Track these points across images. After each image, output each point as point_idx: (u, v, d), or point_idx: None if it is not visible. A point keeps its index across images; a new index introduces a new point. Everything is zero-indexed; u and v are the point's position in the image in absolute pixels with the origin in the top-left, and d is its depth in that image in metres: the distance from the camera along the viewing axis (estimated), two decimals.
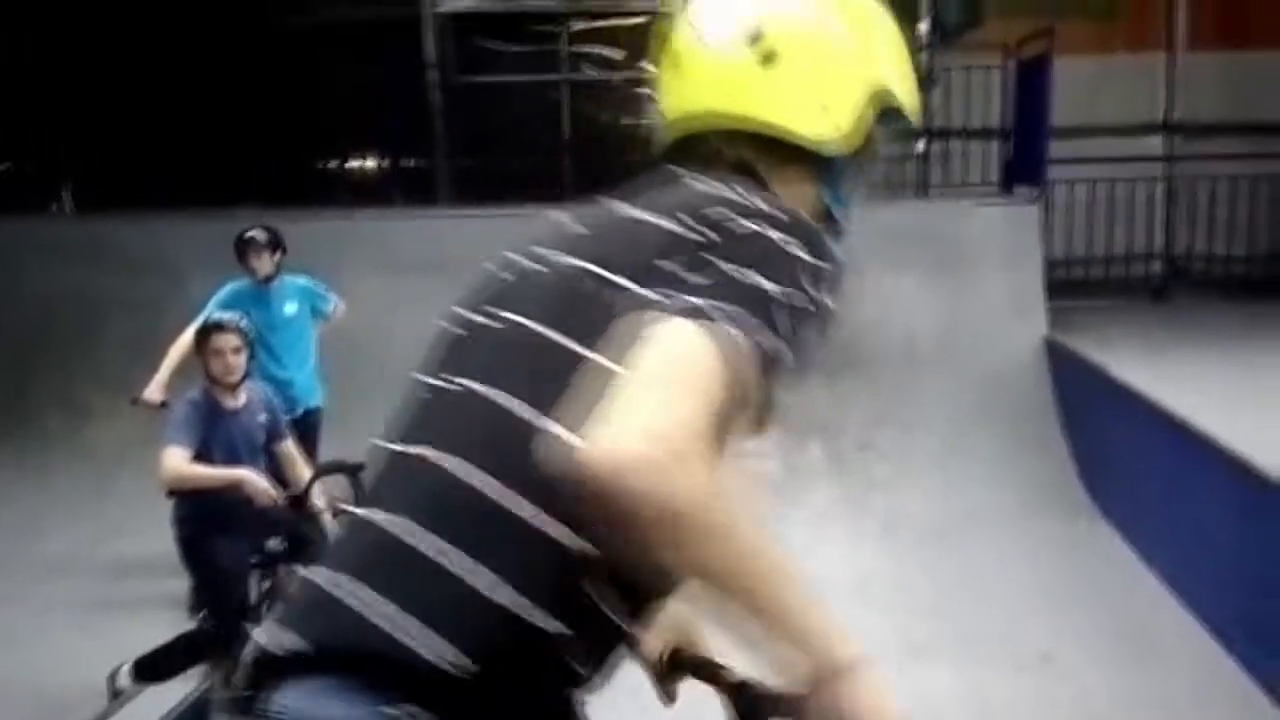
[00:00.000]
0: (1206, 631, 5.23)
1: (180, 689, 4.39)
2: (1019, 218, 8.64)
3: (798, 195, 1.57)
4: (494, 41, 10.87)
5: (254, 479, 4.44)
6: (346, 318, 6.50)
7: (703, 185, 1.48)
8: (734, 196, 1.45)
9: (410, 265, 8.67)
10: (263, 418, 4.74)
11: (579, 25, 10.79)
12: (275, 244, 6.18)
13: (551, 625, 1.33)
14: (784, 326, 1.36)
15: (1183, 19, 10.14)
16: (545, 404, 1.33)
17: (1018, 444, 7.56)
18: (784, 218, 1.44)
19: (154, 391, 5.68)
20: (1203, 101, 10.05)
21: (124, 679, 4.41)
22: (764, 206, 1.44)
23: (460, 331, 1.52)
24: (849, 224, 1.66)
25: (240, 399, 4.67)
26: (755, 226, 1.41)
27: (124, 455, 6.75)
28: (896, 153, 10.18)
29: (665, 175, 1.55)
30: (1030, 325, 8.22)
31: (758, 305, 1.34)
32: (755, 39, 1.54)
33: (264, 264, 6.13)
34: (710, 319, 1.30)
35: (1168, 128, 10.20)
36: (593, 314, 1.37)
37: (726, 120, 1.57)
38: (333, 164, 11.39)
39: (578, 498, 1.21)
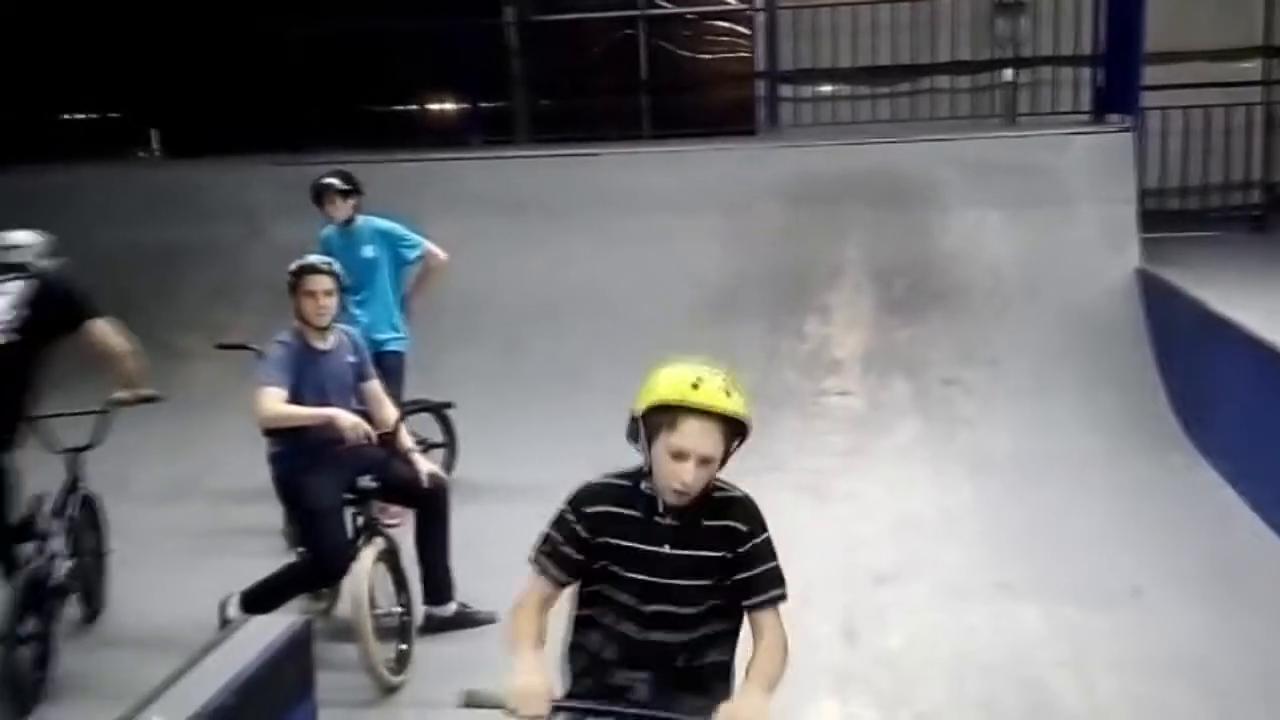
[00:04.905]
0: None
1: (283, 619, 4.51)
2: (1111, 147, 8.37)
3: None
4: None
5: (346, 417, 4.52)
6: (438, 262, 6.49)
7: None
8: None
9: (488, 205, 8.71)
10: (351, 358, 4.81)
11: None
12: (350, 189, 6.25)
13: None
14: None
15: None
16: None
17: (1109, 379, 7.39)
18: None
19: None
20: None
21: (232, 609, 4.56)
22: None
23: None
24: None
25: (330, 340, 4.74)
26: None
27: (216, 394, 6.92)
28: (983, 82, 9.95)
29: None
30: (1123, 258, 7.99)
31: None
32: None
33: (339, 209, 6.22)
34: None
35: (1266, 51, 9.77)
36: None
37: None
38: (413, 107, 11.42)
39: None
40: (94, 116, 11.74)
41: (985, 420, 7.22)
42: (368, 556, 4.48)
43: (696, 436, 2.52)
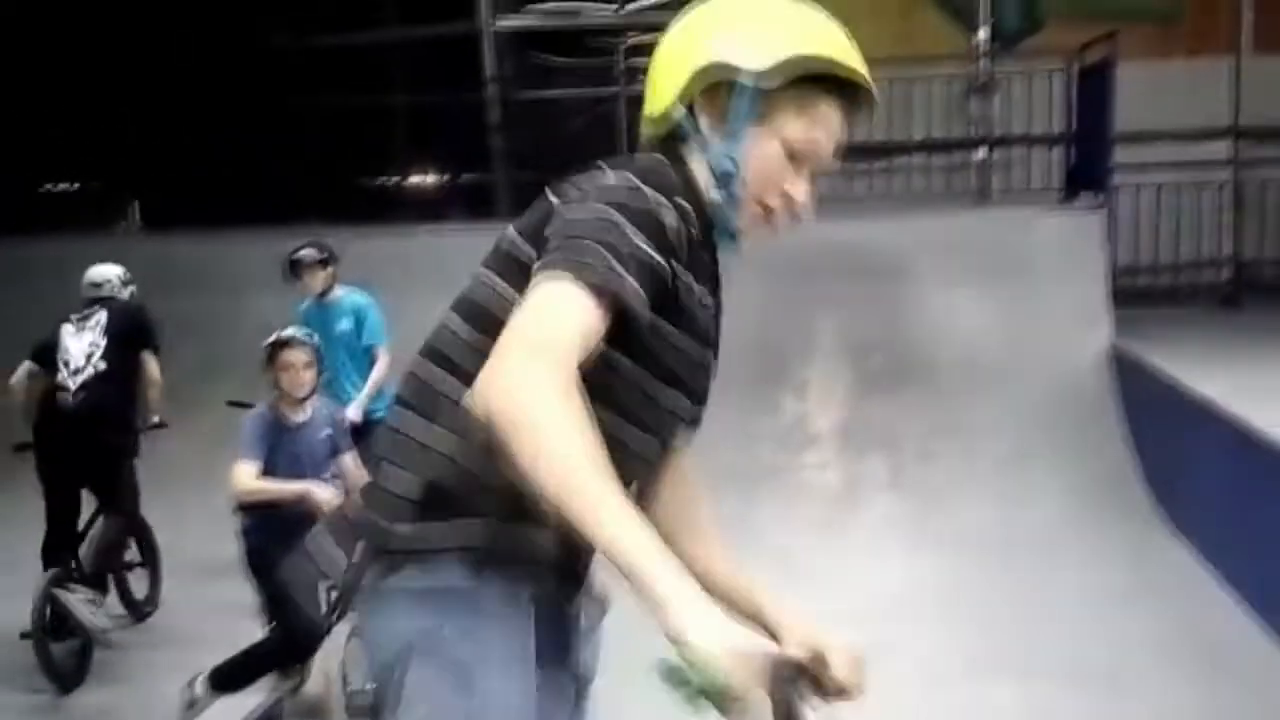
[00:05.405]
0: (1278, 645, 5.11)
1: (252, 699, 4.45)
2: (1082, 225, 8.54)
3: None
4: (551, 58, 10.96)
5: (319, 492, 4.50)
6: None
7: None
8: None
9: (469, 278, 8.75)
10: (326, 432, 4.80)
11: (634, 39, 10.85)
12: (326, 260, 6.25)
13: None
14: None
15: (1247, 21, 9.96)
16: (479, 330, 1.73)
17: (1081, 454, 7.45)
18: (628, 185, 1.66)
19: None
20: (1270, 105, 9.86)
21: (199, 688, 4.49)
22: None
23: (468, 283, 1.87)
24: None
25: (305, 413, 4.74)
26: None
27: (194, 465, 6.88)
28: (956, 162, 10.14)
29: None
30: (1094, 334, 8.11)
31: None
32: None
33: (316, 280, 6.21)
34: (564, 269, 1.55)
35: (1234, 132, 10.01)
36: (517, 270, 1.70)
37: None
38: (393, 181, 11.56)
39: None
40: (75, 188, 11.81)
41: (959, 495, 7.25)
42: (339, 632, 4.42)
43: (838, 133, 1.66)
